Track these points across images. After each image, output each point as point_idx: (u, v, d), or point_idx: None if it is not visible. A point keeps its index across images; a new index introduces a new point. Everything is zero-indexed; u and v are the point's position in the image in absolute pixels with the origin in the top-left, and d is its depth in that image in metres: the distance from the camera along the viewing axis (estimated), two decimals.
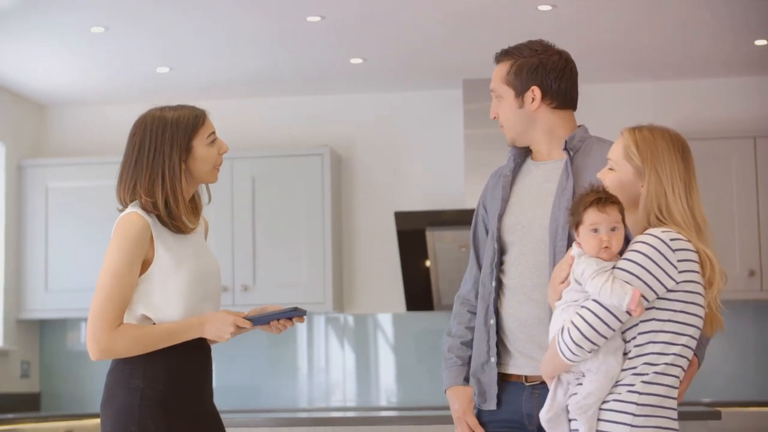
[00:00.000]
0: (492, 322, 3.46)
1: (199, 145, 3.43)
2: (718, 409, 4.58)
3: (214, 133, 3.48)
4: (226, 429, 4.75)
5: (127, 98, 7.74)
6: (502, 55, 3.56)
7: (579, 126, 3.55)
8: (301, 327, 7.93)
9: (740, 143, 7.39)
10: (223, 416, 4.79)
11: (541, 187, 3.49)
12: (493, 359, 3.45)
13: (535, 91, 3.49)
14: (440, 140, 7.87)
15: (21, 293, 7.78)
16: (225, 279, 7.55)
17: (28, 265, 7.80)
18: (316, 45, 6.90)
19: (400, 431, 4.77)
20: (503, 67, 3.54)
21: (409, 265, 7.60)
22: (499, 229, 3.51)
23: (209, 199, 3.61)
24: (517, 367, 3.43)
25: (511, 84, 3.51)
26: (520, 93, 3.50)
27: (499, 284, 3.49)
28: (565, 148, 3.46)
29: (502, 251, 3.51)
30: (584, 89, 7.42)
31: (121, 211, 3.44)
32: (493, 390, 3.46)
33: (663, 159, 3.06)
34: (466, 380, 3.61)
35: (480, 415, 3.54)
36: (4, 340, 7.63)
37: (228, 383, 7.91)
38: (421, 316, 7.80)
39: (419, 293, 7.65)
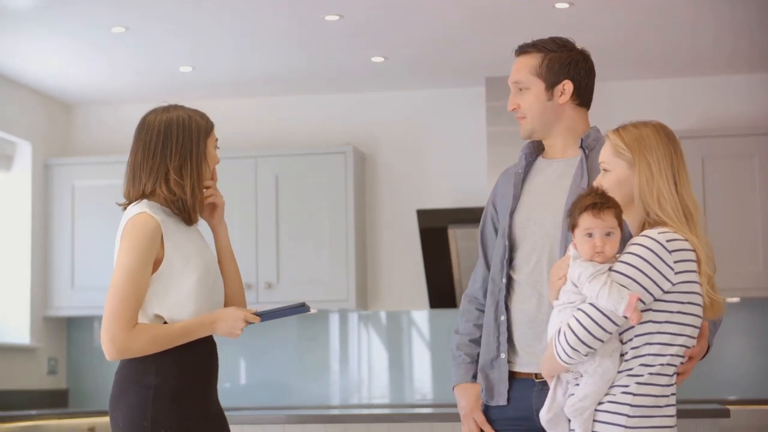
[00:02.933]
0: (503, 318, 3.48)
1: (210, 146, 3.56)
2: (728, 407, 4.56)
3: (217, 140, 3.62)
4: (245, 426, 4.82)
5: (152, 97, 7.75)
6: (530, 48, 3.57)
7: (592, 126, 3.58)
8: (331, 324, 7.97)
9: (764, 140, 7.33)
10: (241, 413, 4.84)
11: (555, 184, 3.51)
12: (504, 355, 3.47)
13: (567, 86, 3.52)
14: (463, 138, 7.87)
15: (48, 291, 7.86)
16: (248, 276, 7.59)
17: (55, 262, 7.88)
18: (337, 44, 6.93)
19: (414, 428, 4.79)
20: (532, 59, 3.55)
21: (431, 262, 7.61)
22: (510, 226, 3.53)
23: None
24: (523, 365, 3.45)
25: (542, 76, 3.53)
26: (551, 86, 3.52)
27: (509, 281, 3.51)
28: (581, 146, 3.49)
29: (512, 248, 3.53)
30: (602, 87, 7.41)
31: (121, 205, 3.52)
32: (503, 386, 3.48)
33: (651, 146, 3.07)
34: (474, 377, 3.63)
35: (487, 412, 3.56)
36: (31, 337, 7.71)
37: (257, 380, 7.96)
38: (445, 314, 7.80)
39: (442, 291, 7.66)
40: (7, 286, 7.71)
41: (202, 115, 3.57)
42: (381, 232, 7.97)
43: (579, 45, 3.64)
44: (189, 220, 3.51)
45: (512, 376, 3.47)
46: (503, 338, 3.47)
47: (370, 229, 7.97)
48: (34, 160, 7.82)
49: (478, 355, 3.61)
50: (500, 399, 3.48)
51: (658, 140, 3.09)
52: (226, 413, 4.90)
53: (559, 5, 6.19)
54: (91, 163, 7.92)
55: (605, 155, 3.15)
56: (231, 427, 4.80)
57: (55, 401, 7.93)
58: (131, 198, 3.53)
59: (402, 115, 8.01)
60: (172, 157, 3.47)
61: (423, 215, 7.58)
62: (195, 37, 6.80)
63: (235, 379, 8.01)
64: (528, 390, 3.42)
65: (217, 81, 7.71)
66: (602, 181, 3.14)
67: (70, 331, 8.16)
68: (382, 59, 7.26)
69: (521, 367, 3.45)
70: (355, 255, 7.62)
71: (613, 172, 3.12)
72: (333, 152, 7.72)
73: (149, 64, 7.33)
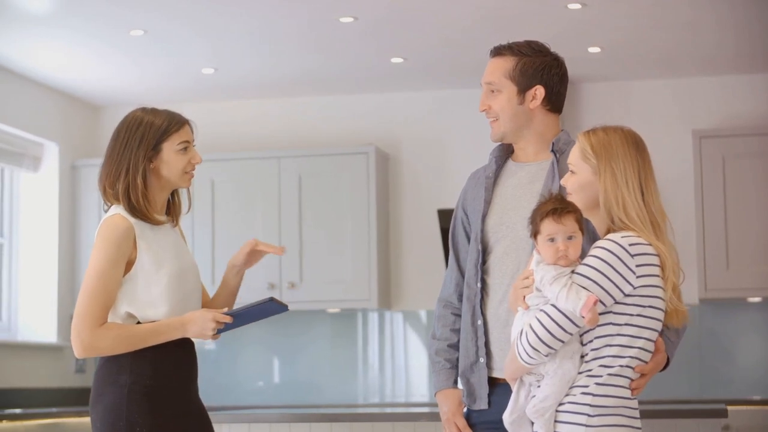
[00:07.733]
0: (480, 322, 3.49)
1: (168, 150, 3.52)
2: (726, 407, 4.57)
3: (188, 142, 3.56)
4: (250, 424, 4.87)
5: (176, 99, 7.88)
6: (505, 50, 3.58)
7: (562, 130, 3.59)
8: (368, 324, 8.02)
9: None
10: (250, 412, 4.86)
11: (527, 188, 3.52)
12: (482, 359, 3.48)
13: (539, 91, 3.52)
14: (483, 138, 7.79)
15: (75, 290, 7.92)
16: (272, 276, 7.65)
17: (82, 262, 7.96)
18: (356, 45, 6.98)
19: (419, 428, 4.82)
20: (506, 62, 3.56)
21: None
22: (482, 230, 3.53)
23: (189, 208, 3.71)
24: (500, 369, 3.44)
25: (514, 80, 3.54)
26: (522, 90, 3.53)
27: (483, 285, 3.51)
28: (552, 150, 3.50)
29: (485, 252, 3.53)
30: (618, 86, 7.46)
31: (106, 211, 3.55)
32: (483, 390, 3.49)
33: (617, 156, 3.08)
34: (455, 383, 3.63)
35: (469, 416, 3.57)
36: (58, 336, 7.81)
37: (289, 379, 8.01)
38: None
39: None
40: (35, 286, 7.82)
41: (164, 118, 3.53)
42: (403, 232, 8.00)
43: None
44: (147, 221, 3.50)
45: (492, 381, 3.47)
46: (481, 342, 3.48)
47: (393, 229, 8.00)
48: (61, 161, 7.93)
49: (458, 360, 3.61)
50: (481, 403, 3.49)
51: (625, 149, 3.10)
52: (258, 411, 4.98)
53: (571, 5, 6.19)
54: None
55: (573, 157, 3.17)
56: (241, 425, 4.88)
57: (82, 399, 8.00)
58: (105, 200, 3.57)
59: (423, 115, 8.05)
60: (111, 168, 3.51)
61: (444, 215, 7.60)
62: (216, 39, 6.87)
63: (268, 378, 8.08)
64: (507, 394, 3.37)
65: (240, 82, 7.78)
66: (567, 182, 3.17)
67: None
68: (401, 60, 7.29)
69: (499, 372, 3.45)
70: (378, 254, 7.66)
71: (579, 175, 3.14)
72: (355, 152, 7.77)
73: (173, 66, 7.41)
